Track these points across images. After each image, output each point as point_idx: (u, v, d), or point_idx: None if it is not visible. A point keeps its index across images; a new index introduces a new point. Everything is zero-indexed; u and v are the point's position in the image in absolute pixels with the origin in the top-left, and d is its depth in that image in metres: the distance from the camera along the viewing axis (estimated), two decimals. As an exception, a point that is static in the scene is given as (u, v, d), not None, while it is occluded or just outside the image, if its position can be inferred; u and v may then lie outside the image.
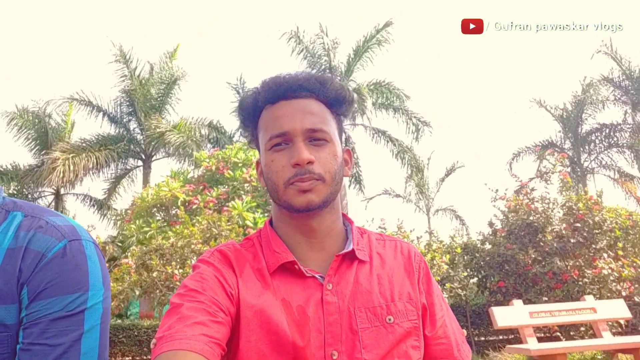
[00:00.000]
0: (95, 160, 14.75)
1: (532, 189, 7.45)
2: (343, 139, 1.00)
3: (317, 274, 0.90)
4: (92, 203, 17.13)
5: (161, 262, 6.29)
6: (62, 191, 16.28)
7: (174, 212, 9.60)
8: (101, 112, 16.11)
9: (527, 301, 6.50)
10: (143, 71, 16.07)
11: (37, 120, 15.21)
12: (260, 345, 0.84)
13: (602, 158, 18.60)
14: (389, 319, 0.89)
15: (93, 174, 15.73)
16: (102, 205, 16.91)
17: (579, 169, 18.41)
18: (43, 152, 15.01)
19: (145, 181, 15.87)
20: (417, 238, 7.74)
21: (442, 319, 0.98)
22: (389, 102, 16.56)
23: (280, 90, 0.92)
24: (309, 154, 0.87)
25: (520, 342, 5.32)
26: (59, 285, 0.75)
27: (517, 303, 5.60)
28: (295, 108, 0.91)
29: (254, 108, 0.95)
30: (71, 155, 14.31)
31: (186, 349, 0.71)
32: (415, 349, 0.90)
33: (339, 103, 0.95)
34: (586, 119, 18.56)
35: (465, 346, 1.01)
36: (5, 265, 0.74)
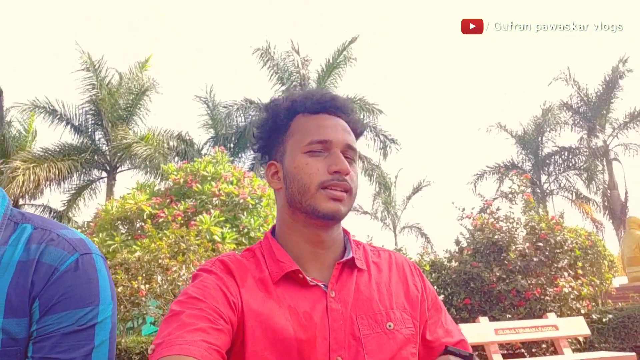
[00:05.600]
0: (57, 171, 14.27)
1: (498, 209, 7.65)
2: None
3: (319, 282, 0.92)
4: (51, 215, 16.54)
5: (127, 276, 6.11)
6: (20, 202, 15.67)
7: (138, 225, 9.36)
8: (65, 121, 15.63)
9: (492, 318, 6.62)
10: (112, 81, 15.72)
11: (-4, 128, 14.67)
12: (266, 354, 0.84)
13: (561, 180, 19.35)
14: (389, 325, 0.92)
15: (54, 184, 15.21)
16: (61, 217, 16.35)
17: (539, 190, 19.05)
18: (1, 161, 14.45)
19: (109, 193, 15.44)
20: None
21: (439, 320, 1.03)
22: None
23: (323, 103, 0.98)
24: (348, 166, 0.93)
25: (486, 359, 5.42)
26: (71, 299, 0.75)
27: (483, 320, 5.72)
28: (338, 123, 0.97)
29: (290, 112, 0.98)
30: (32, 164, 13.82)
31: (186, 354, 0.71)
32: (413, 357, 0.94)
33: (357, 133, 1.03)
34: (546, 142, 19.31)
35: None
36: (17, 278, 0.74)
